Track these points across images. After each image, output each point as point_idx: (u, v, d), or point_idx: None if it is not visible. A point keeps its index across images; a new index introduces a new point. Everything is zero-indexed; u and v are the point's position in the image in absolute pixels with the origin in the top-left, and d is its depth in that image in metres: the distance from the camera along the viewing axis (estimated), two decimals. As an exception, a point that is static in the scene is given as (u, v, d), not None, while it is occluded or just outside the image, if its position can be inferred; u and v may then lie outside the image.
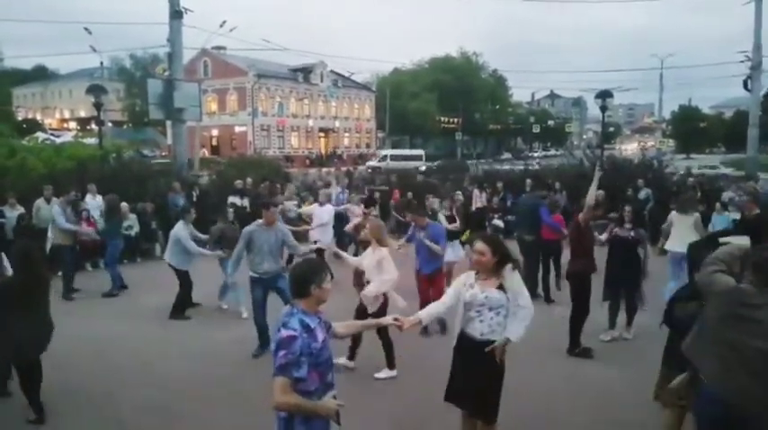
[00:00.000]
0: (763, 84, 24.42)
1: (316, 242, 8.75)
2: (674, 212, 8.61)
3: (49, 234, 9.58)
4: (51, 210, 9.73)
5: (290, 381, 2.79)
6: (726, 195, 13.13)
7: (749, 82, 20.85)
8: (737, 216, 12.00)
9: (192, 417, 5.15)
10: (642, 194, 13.82)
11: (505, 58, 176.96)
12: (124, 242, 10.90)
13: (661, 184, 14.56)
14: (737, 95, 41.15)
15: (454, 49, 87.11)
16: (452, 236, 8.81)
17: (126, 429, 5.00)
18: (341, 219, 11.26)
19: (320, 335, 2.96)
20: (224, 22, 30.93)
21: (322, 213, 10.11)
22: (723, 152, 70.18)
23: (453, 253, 8.57)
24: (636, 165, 16.04)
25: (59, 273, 9.26)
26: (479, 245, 3.82)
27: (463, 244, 8.96)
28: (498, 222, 14.50)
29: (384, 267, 5.84)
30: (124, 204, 11.92)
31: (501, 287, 3.76)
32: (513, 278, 3.82)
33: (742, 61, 21.35)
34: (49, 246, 9.48)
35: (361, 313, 5.85)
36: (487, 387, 3.78)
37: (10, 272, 5.35)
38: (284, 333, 2.84)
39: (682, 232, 8.03)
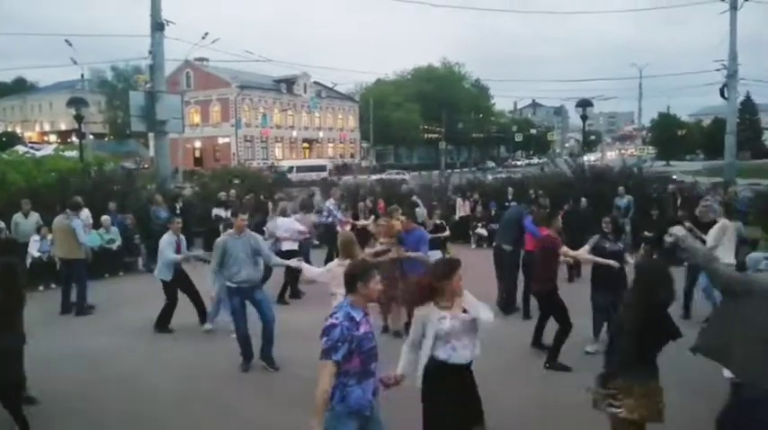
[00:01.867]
0: (740, 92, 24.91)
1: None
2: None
3: (30, 249, 9.47)
4: (29, 224, 9.57)
5: (333, 364, 3.18)
6: (704, 202, 13.30)
7: (725, 90, 21.25)
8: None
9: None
10: (623, 202, 13.97)
11: (488, 68, 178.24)
12: (106, 256, 10.80)
13: (642, 192, 14.73)
14: (715, 103, 41.95)
15: (437, 59, 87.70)
16: (440, 244, 8.91)
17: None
18: (332, 230, 11.47)
19: (363, 327, 3.33)
20: (206, 33, 30.89)
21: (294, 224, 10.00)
22: (702, 159, 71.28)
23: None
24: (617, 173, 16.21)
25: (51, 287, 9.12)
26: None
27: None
28: (482, 231, 14.60)
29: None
30: (106, 217, 11.84)
31: (465, 310, 3.73)
32: (467, 296, 3.79)
33: (718, 70, 21.79)
34: (29, 260, 9.33)
35: None
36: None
37: None
38: (328, 321, 3.28)
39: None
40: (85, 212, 11.31)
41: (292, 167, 41.72)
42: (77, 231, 9.09)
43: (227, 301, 7.48)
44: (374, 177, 30.00)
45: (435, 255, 8.57)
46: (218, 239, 6.72)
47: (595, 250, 6.81)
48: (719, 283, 3.50)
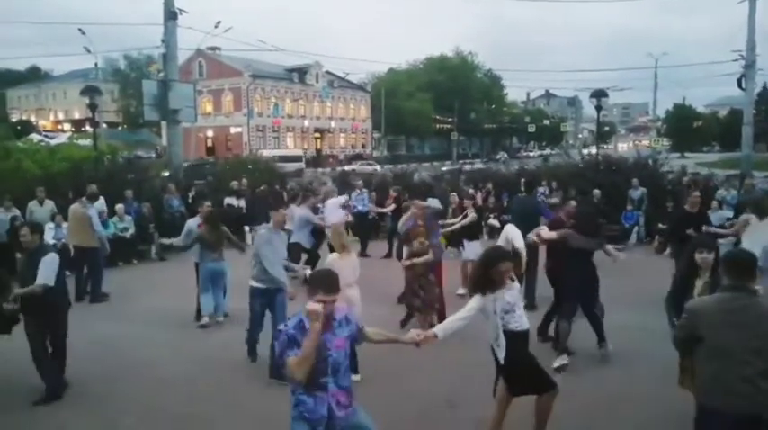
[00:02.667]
0: (757, 82, 24.51)
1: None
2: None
3: (45, 236, 9.49)
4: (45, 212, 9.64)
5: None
6: (720, 193, 13.17)
7: (743, 80, 20.90)
8: (731, 214, 12.12)
9: (192, 420, 5.14)
10: (637, 194, 13.85)
11: (501, 58, 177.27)
12: (119, 244, 10.87)
13: (656, 183, 14.59)
14: (732, 94, 41.31)
15: (449, 48, 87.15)
16: (472, 234, 9.03)
17: (121, 428, 4.99)
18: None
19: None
20: (219, 22, 30.82)
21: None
22: (718, 151, 70.45)
23: (472, 251, 8.62)
24: (631, 165, 16.05)
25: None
26: (508, 264, 4.19)
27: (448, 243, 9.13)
28: (494, 222, 14.51)
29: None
30: (120, 206, 11.92)
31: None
32: None
33: (736, 60, 21.43)
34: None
35: None
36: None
37: None
38: (279, 327, 3.33)
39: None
40: (100, 201, 11.41)
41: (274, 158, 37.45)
42: (93, 220, 9.16)
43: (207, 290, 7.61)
44: (348, 168, 29.45)
45: (473, 246, 8.68)
46: (262, 232, 6.35)
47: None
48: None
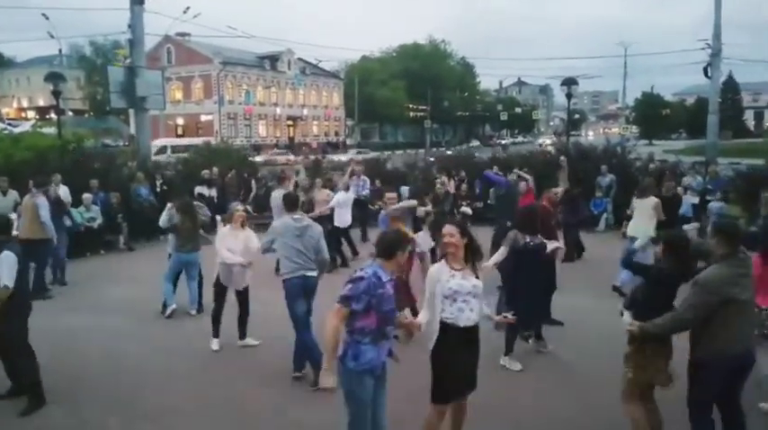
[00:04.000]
0: (723, 71, 24.99)
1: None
2: (634, 198, 8.80)
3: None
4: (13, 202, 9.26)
5: (346, 312, 3.32)
6: (686, 180, 13.46)
7: (709, 69, 21.30)
8: (696, 200, 12.41)
9: (163, 411, 5.08)
10: (606, 181, 14.06)
11: (474, 47, 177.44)
12: (87, 234, 10.67)
13: (625, 170, 14.82)
14: (698, 83, 42.15)
15: (422, 36, 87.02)
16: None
17: (93, 424, 4.90)
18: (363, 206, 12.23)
19: (388, 287, 3.45)
20: (187, 8, 30.35)
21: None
22: (685, 138, 71.89)
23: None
24: (601, 152, 16.27)
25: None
26: (447, 227, 3.92)
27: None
28: (467, 209, 14.61)
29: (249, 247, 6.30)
30: (87, 195, 11.66)
31: (477, 277, 3.91)
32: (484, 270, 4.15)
33: (702, 49, 21.78)
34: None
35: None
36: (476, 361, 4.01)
37: None
38: (356, 274, 3.44)
39: (642, 217, 8.30)
40: (64, 190, 11.13)
41: (166, 147, 32.27)
42: (40, 210, 8.59)
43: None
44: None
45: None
46: (223, 231, 6.46)
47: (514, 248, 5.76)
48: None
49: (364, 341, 3.40)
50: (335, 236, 10.41)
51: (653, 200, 8.32)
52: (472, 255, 3.89)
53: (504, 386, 5.30)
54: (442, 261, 3.94)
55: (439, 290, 3.79)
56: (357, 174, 12.99)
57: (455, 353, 3.76)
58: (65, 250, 9.66)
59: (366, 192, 13.45)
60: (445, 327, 3.77)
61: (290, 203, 5.93)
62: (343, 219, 10.57)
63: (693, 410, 3.86)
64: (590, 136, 42.23)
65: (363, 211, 12.80)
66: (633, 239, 8.23)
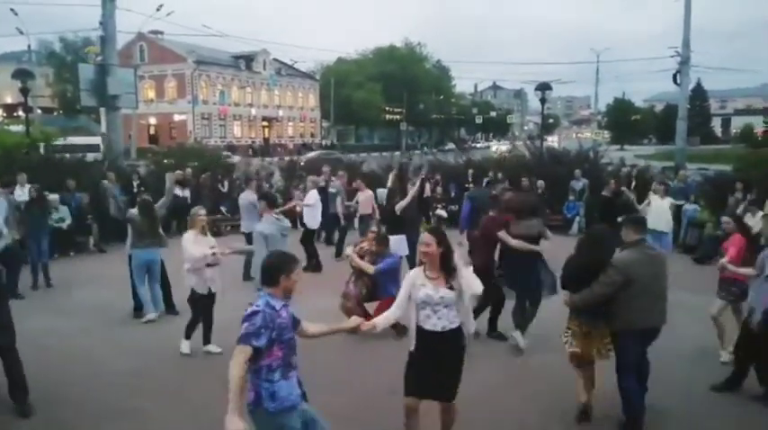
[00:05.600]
0: (692, 78, 25.60)
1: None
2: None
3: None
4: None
5: (250, 351, 3.04)
6: (655, 185, 13.70)
7: (678, 76, 21.81)
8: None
9: (135, 414, 5.00)
10: (579, 185, 14.26)
11: (449, 50, 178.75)
12: (55, 235, 10.43)
13: (596, 175, 15.05)
14: (668, 89, 43.06)
15: (399, 39, 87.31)
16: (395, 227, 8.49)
17: (63, 426, 4.82)
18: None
19: (284, 315, 3.24)
20: (161, 5, 29.97)
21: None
22: (655, 143, 73.35)
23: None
24: (573, 157, 16.50)
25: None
26: (425, 236, 4.01)
27: None
28: (442, 212, 14.69)
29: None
30: (54, 196, 11.37)
31: (451, 287, 3.93)
32: (467, 276, 4.01)
33: (672, 56, 22.31)
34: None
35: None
36: (456, 369, 3.98)
37: None
38: (249, 309, 3.18)
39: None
40: (27, 191, 10.82)
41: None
42: None
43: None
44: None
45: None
46: (187, 236, 6.25)
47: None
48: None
49: (274, 378, 3.17)
50: (309, 236, 10.38)
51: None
52: (446, 266, 3.93)
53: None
54: (420, 266, 4.05)
55: (413, 295, 3.95)
56: (326, 175, 12.86)
57: (418, 353, 3.95)
58: (47, 251, 9.47)
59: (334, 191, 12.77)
60: (417, 330, 3.96)
61: (272, 202, 6.00)
62: (312, 219, 10.52)
63: (619, 369, 4.63)
64: (554, 142, 40.81)
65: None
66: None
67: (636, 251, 4.57)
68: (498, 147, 47.77)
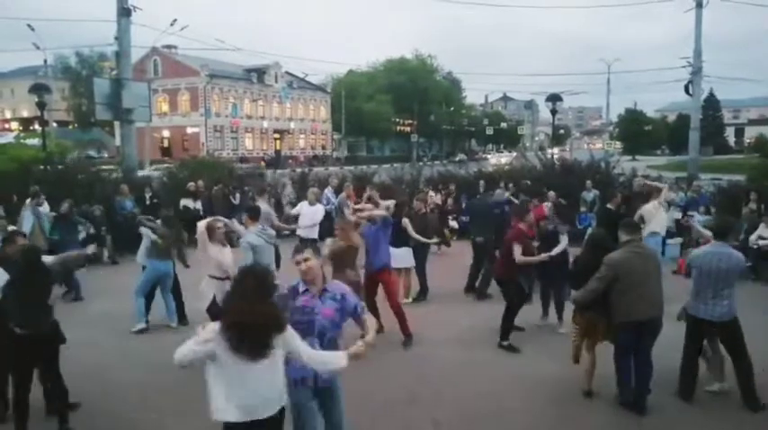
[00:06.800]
0: (704, 88, 25.46)
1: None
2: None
3: None
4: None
5: None
6: (668, 195, 13.59)
7: (690, 86, 21.71)
8: (679, 215, 12.56)
9: (144, 426, 5.03)
10: (590, 196, 14.17)
11: (460, 61, 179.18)
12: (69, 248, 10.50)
13: (609, 186, 14.96)
14: (680, 100, 42.81)
15: (409, 51, 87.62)
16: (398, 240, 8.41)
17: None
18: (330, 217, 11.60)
19: (302, 300, 3.65)
20: (174, 20, 30.35)
21: (313, 213, 10.19)
22: (667, 154, 72.84)
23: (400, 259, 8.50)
24: (585, 167, 16.41)
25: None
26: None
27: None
28: (453, 223, 14.66)
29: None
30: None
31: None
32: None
33: (684, 66, 22.23)
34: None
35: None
36: None
37: None
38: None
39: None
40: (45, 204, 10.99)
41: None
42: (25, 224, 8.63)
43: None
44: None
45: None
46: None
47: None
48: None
49: None
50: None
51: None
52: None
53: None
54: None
55: None
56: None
57: None
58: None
59: (330, 206, 12.55)
60: None
61: (257, 215, 6.47)
62: (309, 230, 10.23)
63: (617, 352, 5.24)
64: (555, 153, 38.45)
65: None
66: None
67: (626, 250, 5.11)
68: (498, 159, 45.86)
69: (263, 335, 3.04)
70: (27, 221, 8.77)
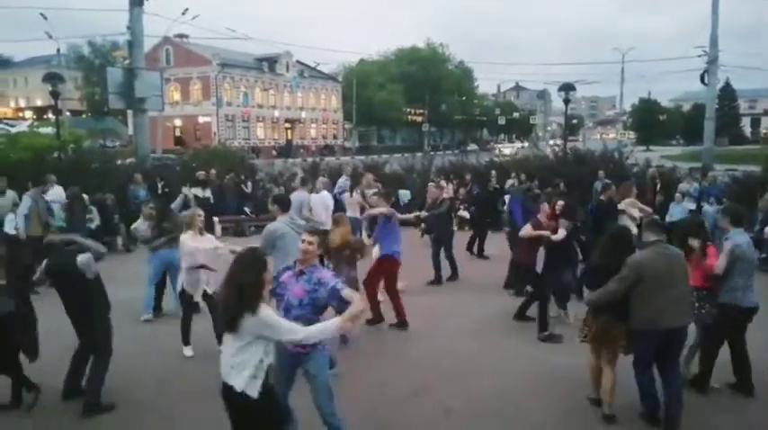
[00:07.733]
0: (720, 78, 25.15)
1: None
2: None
3: (6, 227, 9.26)
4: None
5: None
6: (682, 186, 13.49)
7: (706, 76, 21.44)
8: (693, 206, 12.46)
9: (154, 409, 5.10)
10: (601, 186, 14.05)
11: (472, 50, 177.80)
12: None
13: (622, 176, 14.84)
14: (695, 89, 42.31)
15: (421, 40, 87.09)
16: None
17: (88, 423, 4.92)
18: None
19: (284, 277, 4.10)
20: (186, 9, 30.39)
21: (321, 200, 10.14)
22: (682, 144, 72.06)
23: None
24: (598, 157, 16.30)
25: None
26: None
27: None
28: (464, 213, 14.63)
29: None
30: (83, 196, 11.65)
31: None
32: None
33: (699, 56, 21.97)
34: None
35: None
36: None
37: None
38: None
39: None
40: (56, 190, 11.14)
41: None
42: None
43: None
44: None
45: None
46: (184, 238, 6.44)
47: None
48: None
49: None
50: None
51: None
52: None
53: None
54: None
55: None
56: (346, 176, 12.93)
57: None
58: None
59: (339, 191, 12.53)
60: None
61: (287, 206, 6.29)
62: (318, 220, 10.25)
63: (637, 367, 4.79)
64: (585, 139, 38.45)
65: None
66: None
67: (650, 250, 4.70)
68: (501, 150, 43.81)
69: (229, 311, 3.45)
70: (24, 205, 9.03)
